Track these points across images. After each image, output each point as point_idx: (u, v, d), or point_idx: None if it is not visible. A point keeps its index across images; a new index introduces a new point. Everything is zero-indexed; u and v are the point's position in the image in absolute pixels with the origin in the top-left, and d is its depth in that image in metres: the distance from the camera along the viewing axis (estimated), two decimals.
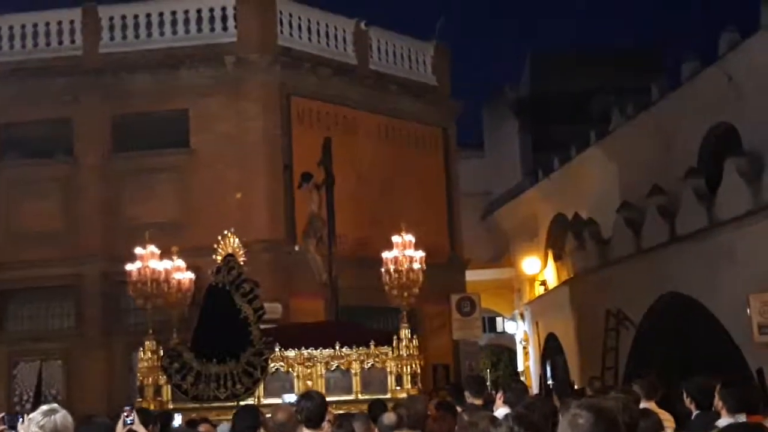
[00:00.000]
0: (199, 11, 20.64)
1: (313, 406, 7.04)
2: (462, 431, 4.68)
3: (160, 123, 20.31)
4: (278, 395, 12.78)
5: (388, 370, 13.08)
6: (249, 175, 19.55)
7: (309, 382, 13.07)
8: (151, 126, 20.32)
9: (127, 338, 18.65)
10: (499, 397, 8.68)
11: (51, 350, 19.92)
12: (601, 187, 23.73)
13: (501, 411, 7.66)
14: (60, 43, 20.93)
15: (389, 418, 7.65)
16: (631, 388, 8.53)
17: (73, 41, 20.87)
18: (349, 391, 12.95)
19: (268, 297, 17.20)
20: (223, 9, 20.62)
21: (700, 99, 19.12)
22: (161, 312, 14.64)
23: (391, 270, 13.36)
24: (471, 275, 24.46)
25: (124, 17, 20.82)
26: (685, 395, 7.13)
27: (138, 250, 14.30)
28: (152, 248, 14.35)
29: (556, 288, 25.75)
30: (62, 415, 4.99)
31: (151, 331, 14.07)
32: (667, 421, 7.43)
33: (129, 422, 7.35)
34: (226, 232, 13.97)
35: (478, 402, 9.27)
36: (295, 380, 13.20)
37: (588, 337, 22.43)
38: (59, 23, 20.96)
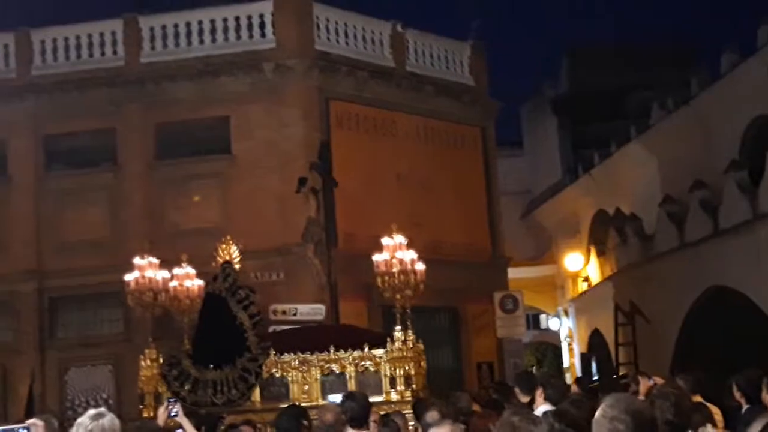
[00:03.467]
0: (237, 19, 20.88)
1: (357, 406, 7.15)
2: (500, 428, 4.72)
3: (201, 130, 20.61)
4: (276, 400, 12.91)
5: (383, 372, 13.14)
6: (290, 180, 19.67)
7: (305, 386, 13.21)
8: (193, 133, 20.63)
9: (175, 342, 18.90)
10: (540, 394, 8.70)
11: (100, 356, 20.28)
12: (642, 182, 23.61)
13: (542, 408, 7.69)
14: (102, 54, 21.30)
15: (432, 415, 7.74)
16: (675, 383, 8.52)
17: (114, 52, 21.22)
18: (333, 395, 12.97)
19: (312, 299, 17.44)
20: (261, 16, 20.84)
21: (740, 91, 18.97)
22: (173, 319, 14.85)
23: (383, 272, 13.39)
24: (513, 273, 24.47)
25: (164, 27, 21.12)
26: (734, 389, 7.09)
27: (136, 260, 14.54)
28: (150, 258, 14.57)
29: (599, 284, 25.66)
30: (110, 419, 5.07)
31: (151, 339, 14.31)
32: (716, 414, 7.42)
33: (173, 414, 7.55)
34: (225, 238, 14.12)
35: (528, 399, 9.31)
36: (291, 385, 13.33)
37: (640, 335, 22.31)
38: (101, 35, 21.32)
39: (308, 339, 14.14)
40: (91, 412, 5.15)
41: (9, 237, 20.69)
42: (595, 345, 26.26)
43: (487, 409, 9.95)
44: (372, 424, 7.57)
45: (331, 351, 13.28)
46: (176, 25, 21.08)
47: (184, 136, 20.65)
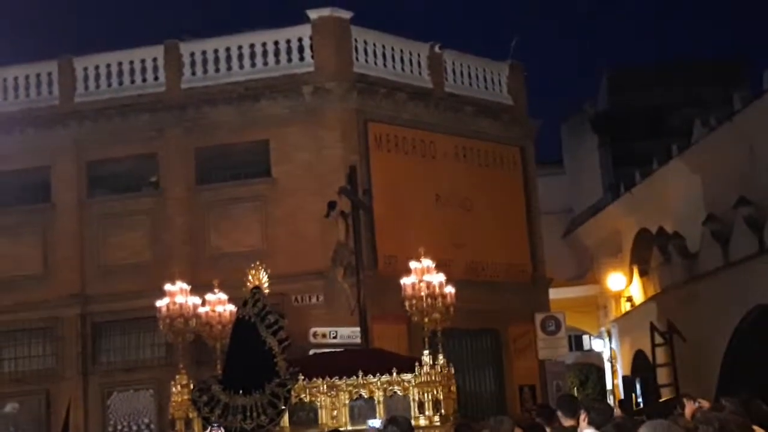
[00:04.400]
0: (276, 43, 21.03)
1: (399, 431, 7.10)
2: None
3: (242, 154, 20.74)
4: (304, 425, 12.85)
5: (411, 397, 13.03)
6: (330, 201, 19.72)
7: (334, 412, 13.14)
8: (234, 157, 20.76)
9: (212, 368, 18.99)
10: (583, 418, 8.58)
11: (142, 380, 20.37)
12: (685, 200, 23.35)
13: None
14: (143, 80, 21.52)
15: None
16: (721, 405, 8.36)
17: (156, 78, 21.44)
18: (373, 419, 12.89)
19: (351, 322, 17.41)
20: (300, 40, 20.96)
21: None
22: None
23: (410, 296, 13.32)
24: (555, 294, 24.25)
25: (204, 52, 21.32)
26: None
27: (167, 287, 14.61)
28: (181, 284, 14.64)
29: (642, 304, 25.36)
30: None
31: (181, 366, 14.38)
32: None
33: None
34: (254, 264, 14.16)
35: (571, 423, 9.17)
36: (320, 410, 13.27)
37: (681, 355, 22.01)
38: (142, 61, 21.56)
39: (337, 364, 14.11)
40: None
41: (53, 262, 20.92)
42: (639, 366, 25.93)
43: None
44: None
45: (360, 376, 13.23)
46: (216, 51, 21.26)
47: (225, 159, 20.80)
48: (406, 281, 13.49)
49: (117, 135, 20.82)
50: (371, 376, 13.20)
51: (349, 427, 12.92)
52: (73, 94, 21.65)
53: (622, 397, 26.49)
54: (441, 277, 13.66)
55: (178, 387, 14.22)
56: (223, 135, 20.58)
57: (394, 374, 13.14)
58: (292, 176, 20.22)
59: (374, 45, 21.54)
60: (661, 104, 28.69)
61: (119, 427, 19.66)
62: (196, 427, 13.69)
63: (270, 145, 20.60)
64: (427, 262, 13.62)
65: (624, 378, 27.03)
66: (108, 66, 21.71)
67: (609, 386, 30.37)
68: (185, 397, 14.04)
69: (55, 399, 20.53)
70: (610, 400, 25.24)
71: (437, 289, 13.40)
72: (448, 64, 22.73)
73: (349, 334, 18.19)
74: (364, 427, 12.57)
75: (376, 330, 18.43)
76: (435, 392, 12.98)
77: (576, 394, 28.88)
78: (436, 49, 22.42)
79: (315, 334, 18.14)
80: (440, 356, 13.50)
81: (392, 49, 21.82)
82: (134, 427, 19.87)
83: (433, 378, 13.02)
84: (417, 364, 13.14)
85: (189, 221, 20.58)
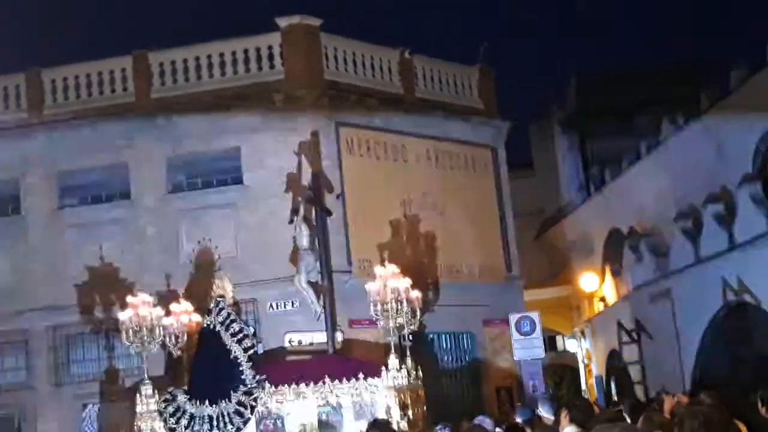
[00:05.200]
0: (246, 51, 21.00)
1: None
2: None
3: (213, 162, 20.68)
4: None
5: (378, 402, 13.03)
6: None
7: (302, 419, 13.13)
8: (205, 165, 20.70)
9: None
10: (564, 416, 8.65)
11: (118, 391, 20.18)
12: (655, 199, 23.57)
13: (568, 430, 7.64)
14: (113, 91, 21.41)
15: None
16: (700, 399, 8.46)
17: (125, 88, 21.34)
18: (341, 425, 12.90)
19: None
20: (270, 48, 20.95)
21: (751, 104, 18.97)
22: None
23: (375, 300, 13.37)
24: (529, 295, 24.37)
25: (173, 62, 21.24)
26: (760, 404, 7.05)
27: (129, 299, 14.60)
28: (143, 296, 14.64)
29: (614, 304, 25.54)
30: None
31: (146, 377, 14.36)
32: (743, 430, 7.34)
33: None
34: (218, 273, 14.17)
35: (552, 421, 9.24)
36: (286, 417, 13.25)
37: (651, 352, 22.20)
38: (111, 72, 21.45)
39: (304, 370, 14.10)
40: None
41: (23, 274, 20.73)
42: (613, 366, 26.10)
43: None
44: None
45: (327, 382, 13.21)
46: (185, 60, 21.20)
47: (196, 168, 20.73)
48: (370, 286, 13.53)
49: (87, 145, 20.69)
50: (338, 382, 13.19)
51: None
52: (41, 106, 21.50)
53: (597, 396, 26.65)
54: (406, 282, 13.72)
55: (144, 398, 14.16)
56: (194, 143, 20.52)
57: (361, 379, 13.14)
58: (264, 182, 20.20)
59: (344, 51, 21.58)
60: (628, 104, 28.92)
61: None
62: None
63: (241, 152, 20.57)
64: (392, 267, 13.68)
65: (596, 377, 27.19)
66: (76, 77, 21.59)
67: (584, 386, 30.52)
68: (151, 407, 13.98)
69: (27, 412, 20.36)
70: None
71: (402, 293, 13.43)
72: (419, 69, 22.82)
73: (325, 339, 18.20)
74: None
75: (354, 334, 18.46)
76: (402, 397, 12.98)
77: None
78: (406, 54, 22.51)
79: (291, 340, 18.12)
80: (408, 360, 13.55)
81: (362, 55, 21.88)
82: None
83: (400, 383, 13.02)
84: (384, 369, 13.15)
85: (161, 230, 20.49)
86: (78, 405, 20.31)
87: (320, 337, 18.14)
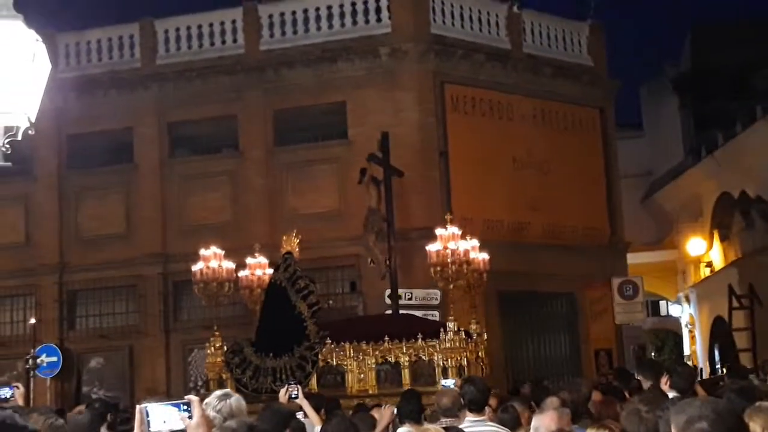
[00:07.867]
0: (353, 4, 21.00)
1: (476, 391, 7.15)
2: (626, 417, 4.66)
3: (319, 116, 20.86)
4: (332, 388, 12.94)
5: (435, 362, 13.05)
6: (405, 163, 19.74)
7: (361, 375, 13.24)
8: (311, 119, 20.89)
9: None
10: (665, 382, 8.52)
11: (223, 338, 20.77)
12: None
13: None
14: (223, 42, 21.73)
15: (552, 402, 7.68)
16: None
17: (234, 40, 21.63)
18: (399, 384, 12.95)
19: (425, 285, 17.51)
20: (377, 1, 20.90)
21: None
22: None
23: (435, 263, 13.27)
24: (633, 258, 23.96)
25: (282, 14, 21.40)
26: None
27: (201, 251, 14.81)
28: (214, 249, 14.83)
29: (722, 269, 24.93)
30: (236, 399, 5.16)
31: (215, 328, 14.59)
32: None
33: (294, 396, 7.94)
34: (290, 232, 14.35)
35: (650, 386, 9.11)
36: (347, 374, 13.38)
37: (762, 319, 21.65)
38: (221, 24, 21.77)
39: (365, 328, 14.23)
40: (218, 392, 5.24)
41: (135, 222, 21.42)
42: (718, 333, 25.56)
43: (609, 396, 9.80)
44: (488, 409, 7.57)
45: (386, 341, 13.33)
46: (294, 13, 21.34)
47: (302, 121, 20.95)
48: (431, 247, 13.50)
49: (197, 97, 21.11)
50: (397, 341, 13.31)
51: (376, 391, 13.12)
52: (154, 57, 21.97)
53: (700, 363, 26.18)
54: (469, 244, 13.63)
55: (212, 348, 14.48)
56: (301, 97, 20.71)
57: (420, 340, 13.23)
58: (368, 138, 20.25)
59: (451, 5, 21.36)
60: (745, 64, 27.85)
61: (199, 383, 20.14)
62: (229, 388, 13.99)
63: (347, 107, 20.68)
64: (453, 229, 13.60)
65: (718, 344, 26.41)
66: (188, 28, 21.96)
67: (686, 352, 30.01)
68: (219, 358, 14.31)
69: (139, 355, 21.15)
70: None
71: (462, 256, 13.34)
72: (527, 24, 22.44)
73: (423, 295, 18.31)
74: (390, 390, 12.69)
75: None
76: (459, 358, 13.01)
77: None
78: (515, 9, 22.13)
79: (390, 295, 18.26)
80: (473, 323, 13.60)
81: (470, 9, 21.62)
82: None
83: (457, 344, 13.04)
84: (442, 330, 13.19)
85: (268, 182, 20.83)
86: (185, 349, 20.99)
87: (420, 294, 18.26)
